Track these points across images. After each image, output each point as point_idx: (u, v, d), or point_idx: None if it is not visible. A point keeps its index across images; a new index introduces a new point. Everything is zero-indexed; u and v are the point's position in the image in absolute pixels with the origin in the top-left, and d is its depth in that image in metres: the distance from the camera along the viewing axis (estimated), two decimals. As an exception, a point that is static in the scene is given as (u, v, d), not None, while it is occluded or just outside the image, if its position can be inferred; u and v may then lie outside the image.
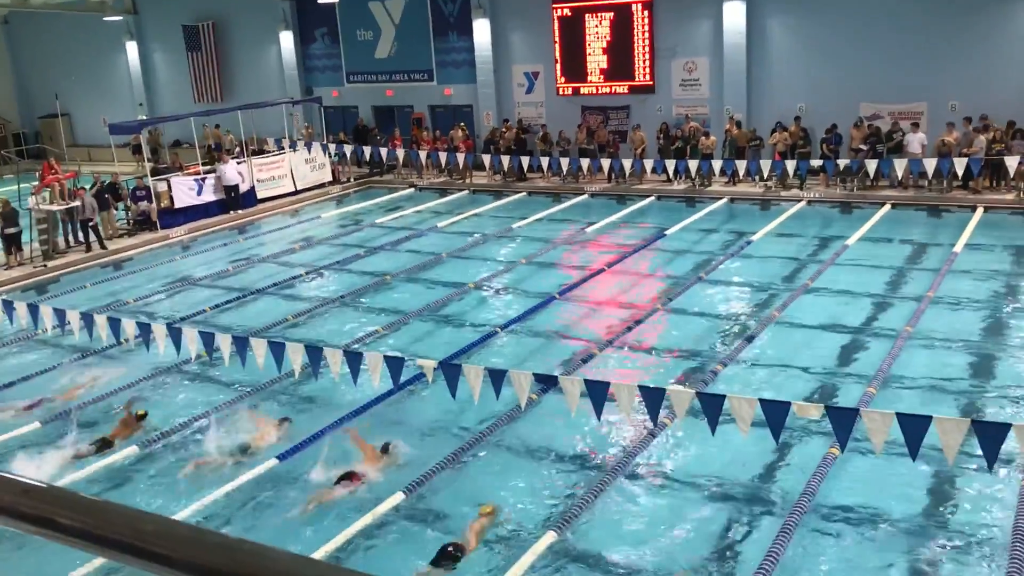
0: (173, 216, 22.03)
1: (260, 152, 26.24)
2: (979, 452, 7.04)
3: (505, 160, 23.58)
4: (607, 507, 8.28)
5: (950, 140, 20.31)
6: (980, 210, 19.28)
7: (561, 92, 27.07)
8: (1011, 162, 18.82)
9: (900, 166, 19.67)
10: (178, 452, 9.93)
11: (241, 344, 9.85)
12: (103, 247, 19.76)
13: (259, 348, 9.75)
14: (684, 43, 25.04)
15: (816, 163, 20.96)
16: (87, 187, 20.39)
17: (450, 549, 7.55)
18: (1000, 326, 12.49)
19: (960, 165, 19.26)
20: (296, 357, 9.52)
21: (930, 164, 19.24)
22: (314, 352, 9.48)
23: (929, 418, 6.85)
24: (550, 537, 7.63)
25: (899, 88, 22.31)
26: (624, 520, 8.11)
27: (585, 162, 23.03)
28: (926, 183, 20.74)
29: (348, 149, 25.70)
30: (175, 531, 1.08)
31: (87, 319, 11.06)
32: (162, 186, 22.16)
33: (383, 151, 25.49)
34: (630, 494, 8.54)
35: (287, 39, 31.92)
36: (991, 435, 6.68)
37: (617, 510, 8.27)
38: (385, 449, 9.41)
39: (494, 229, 20.31)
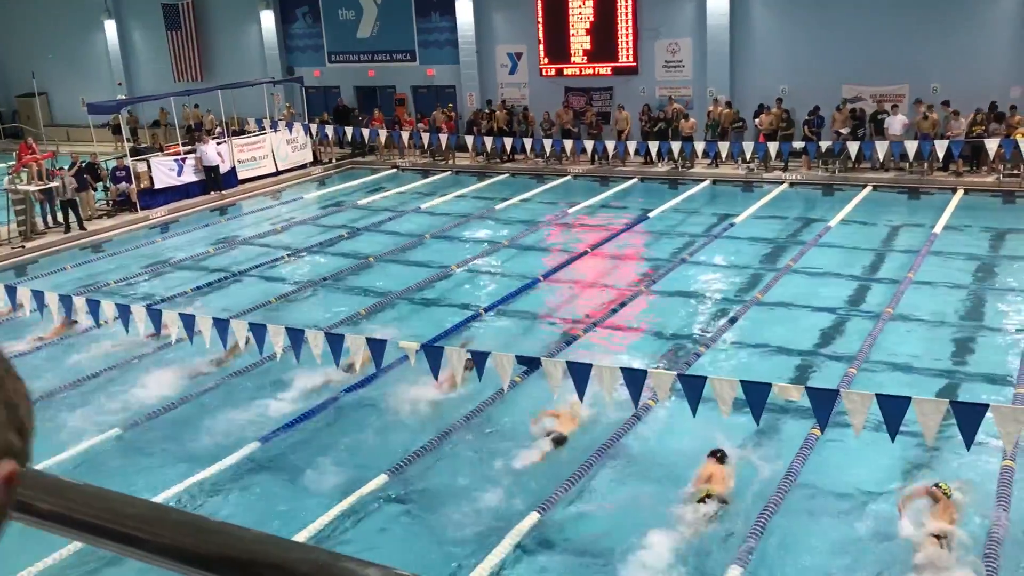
0: (153, 197, 21.84)
1: (241, 132, 26.03)
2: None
3: (488, 141, 23.49)
4: (590, 488, 8.31)
5: (926, 124, 20.43)
6: (960, 192, 19.40)
7: (544, 73, 26.95)
8: (991, 144, 18.92)
9: (881, 149, 19.74)
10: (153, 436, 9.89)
11: (222, 326, 9.80)
12: (82, 228, 19.58)
13: (240, 330, 9.71)
14: (667, 24, 24.97)
15: (798, 145, 21.00)
16: (66, 167, 20.17)
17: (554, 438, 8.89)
18: (979, 307, 12.62)
19: (941, 148, 19.38)
20: (277, 339, 9.48)
21: (911, 147, 19.31)
22: (296, 334, 9.45)
23: (908, 399, 6.91)
24: (533, 518, 7.66)
25: (881, 70, 22.35)
26: (606, 501, 8.16)
27: (568, 143, 22.97)
28: (906, 165, 20.84)
29: (330, 130, 25.50)
30: (157, 515, 1.07)
31: (66, 301, 10.97)
32: (142, 166, 21.96)
33: (365, 132, 25.34)
34: (612, 475, 8.58)
35: (268, 18, 31.60)
36: (969, 416, 6.74)
37: (599, 491, 8.31)
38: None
39: (477, 210, 20.27)
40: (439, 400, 10.14)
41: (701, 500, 7.73)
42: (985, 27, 21.18)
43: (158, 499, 8.20)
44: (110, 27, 35.24)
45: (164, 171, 22.28)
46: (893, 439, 7.13)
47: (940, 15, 21.42)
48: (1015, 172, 19.83)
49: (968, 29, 21.26)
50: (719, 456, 8.21)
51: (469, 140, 24.18)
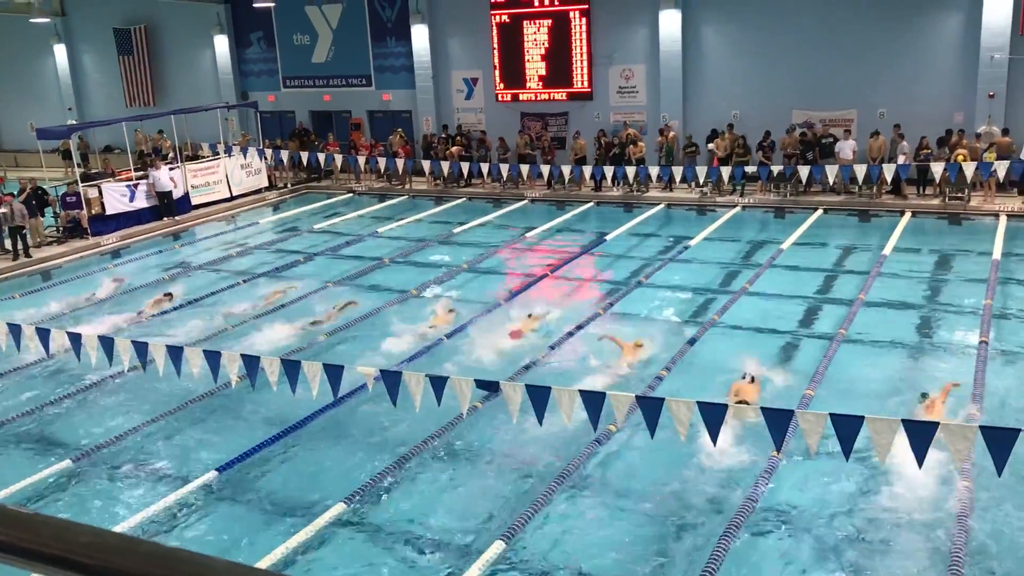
0: (104, 223, 21.51)
1: (195, 157, 25.79)
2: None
3: (445, 166, 23.55)
4: (553, 515, 8.29)
5: (875, 146, 20.94)
6: (908, 214, 19.86)
7: (500, 98, 27.14)
8: (936, 168, 19.41)
9: (832, 172, 20.15)
10: (112, 464, 9.69)
11: (176, 354, 9.65)
12: (28, 255, 19.19)
13: (194, 358, 9.57)
14: (621, 50, 25.32)
15: (750, 169, 21.35)
16: (15, 193, 19.81)
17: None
18: (929, 326, 12.86)
19: (889, 171, 19.84)
20: (232, 366, 9.36)
21: (860, 170, 19.73)
22: (251, 361, 9.33)
23: (861, 418, 7.01)
24: (498, 547, 7.62)
25: (830, 95, 22.89)
26: (570, 527, 8.13)
27: (525, 168, 23.11)
28: (856, 188, 21.28)
29: (285, 154, 25.37)
30: (109, 542, 1.06)
31: (14, 330, 10.73)
32: (93, 192, 21.64)
33: (321, 156, 25.26)
34: (575, 500, 8.57)
35: (222, 43, 31.46)
36: (920, 434, 6.86)
37: (563, 517, 8.29)
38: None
39: (435, 234, 20.26)
40: (401, 423, 10.09)
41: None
42: (929, 55, 21.80)
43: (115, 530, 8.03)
44: (60, 51, 34.83)
45: (116, 197, 21.97)
46: (847, 458, 7.24)
47: (886, 43, 22.00)
48: (959, 195, 20.35)
49: (913, 57, 21.86)
50: (751, 379, 10.47)
51: (426, 165, 24.20)
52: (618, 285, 15.61)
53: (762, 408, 7.43)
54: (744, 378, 10.52)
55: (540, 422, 8.13)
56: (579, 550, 7.74)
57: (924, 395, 9.91)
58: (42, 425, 10.87)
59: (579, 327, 13.20)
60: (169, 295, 15.95)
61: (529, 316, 13.48)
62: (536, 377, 10.84)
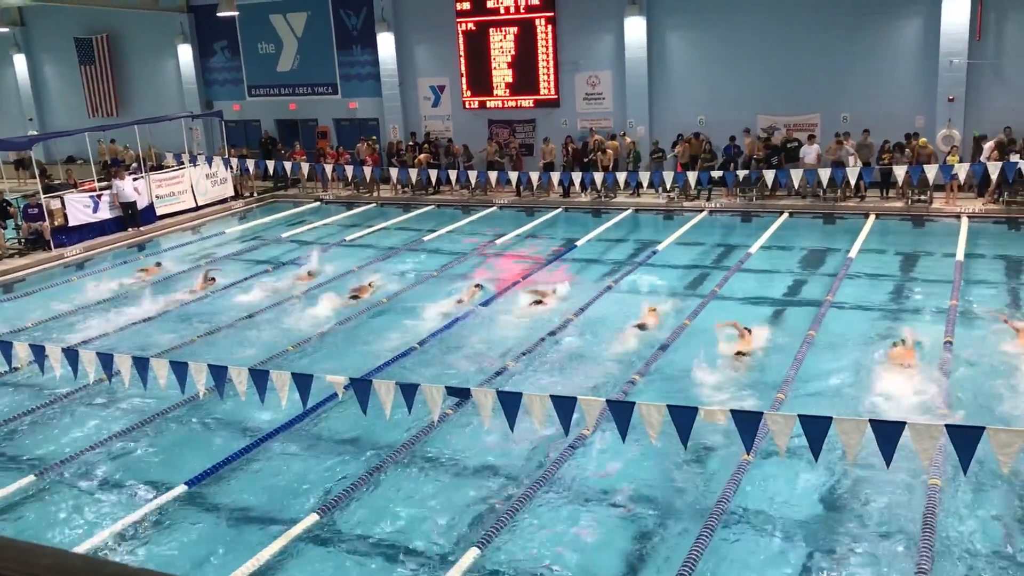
0: (68, 234, 21.22)
1: (159, 167, 25.53)
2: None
3: (413, 173, 23.51)
4: (527, 521, 8.27)
5: (836, 151, 21.22)
6: (872, 217, 20.12)
7: (468, 106, 27.15)
8: (899, 171, 19.68)
9: (796, 176, 20.36)
10: (77, 479, 9.53)
11: (142, 365, 9.52)
12: (-9, 268, 18.91)
13: (161, 369, 9.45)
14: (587, 57, 25.44)
15: (716, 174, 21.51)
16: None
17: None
18: (895, 326, 12.98)
19: (853, 175, 20.09)
20: (200, 377, 9.25)
21: (824, 174, 19.95)
22: (219, 371, 9.23)
23: (830, 419, 7.07)
24: (473, 554, 7.59)
25: (794, 100, 23.16)
26: (544, 533, 8.12)
27: (493, 175, 23.14)
28: (821, 192, 21.52)
29: (251, 163, 25.20)
30: (73, 564, 1.03)
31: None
32: (56, 203, 21.33)
33: (287, 165, 25.10)
34: (548, 507, 8.55)
35: (185, 52, 31.20)
36: (887, 433, 6.93)
37: (537, 523, 8.27)
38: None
39: (404, 242, 20.19)
40: (372, 431, 10.04)
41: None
42: (890, 60, 22.13)
43: (79, 550, 7.90)
44: (20, 61, 34.37)
45: (79, 208, 21.68)
46: (816, 459, 7.29)
47: (848, 48, 22.32)
48: (922, 198, 20.65)
49: (875, 62, 22.18)
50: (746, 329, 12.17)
51: (394, 173, 24.14)
52: (589, 290, 15.61)
53: (731, 411, 7.47)
54: (739, 332, 12.16)
55: (512, 428, 8.11)
56: (555, 555, 7.73)
57: (896, 342, 11.55)
58: (2, 439, 10.68)
59: (551, 334, 13.21)
60: (213, 278, 17.21)
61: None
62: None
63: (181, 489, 9.02)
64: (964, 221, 19.20)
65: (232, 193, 26.32)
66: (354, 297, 15.67)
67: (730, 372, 11.45)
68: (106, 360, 9.75)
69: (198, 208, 24.98)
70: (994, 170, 18.48)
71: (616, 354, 12.42)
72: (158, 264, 18.98)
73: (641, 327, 13.10)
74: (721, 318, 13.23)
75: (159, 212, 23.77)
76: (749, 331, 12.28)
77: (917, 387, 10.59)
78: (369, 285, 16.30)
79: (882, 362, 11.33)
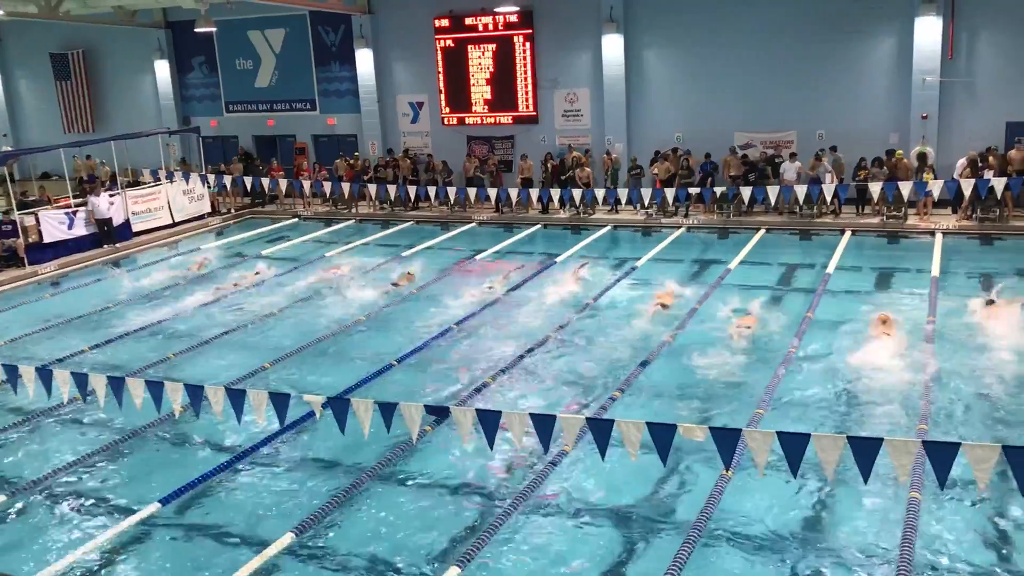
0: (42, 251, 21.01)
1: (135, 184, 25.36)
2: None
3: (392, 189, 23.48)
4: (508, 538, 8.23)
5: (816, 167, 21.43)
6: (848, 233, 20.29)
7: (446, 122, 27.19)
8: (874, 188, 19.88)
9: (773, 193, 20.52)
10: (49, 498, 9.40)
11: (117, 384, 9.41)
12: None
13: (136, 388, 9.34)
14: (565, 74, 25.58)
15: (694, 191, 21.63)
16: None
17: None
18: (872, 341, 13.02)
19: (828, 192, 20.26)
20: (176, 396, 9.15)
21: (801, 190, 20.10)
22: (195, 391, 9.13)
23: (807, 436, 7.09)
24: (453, 573, 7.54)
25: (770, 118, 23.37)
26: (525, 550, 8.08)
27: (472, 191, 23.16)
28: (798, 208, 21.69)
29: (228, 179, 25.07)
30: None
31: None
32: (30, 220, 21.12)
33: (265, 181, 24.99)
34: (529, 524, 8.51)
35: (163, 68, 31.08)
36: (865, 450, 6.96)
37: (519, 540, 8.23)
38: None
39: (382, 258, 20.13)
40: (350, 448, 9.97)
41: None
42: (865, 78, 22.40)
43: (52, 570, 7.79)
44: (-7, 77, 34.08)
45: (54, 224, 21.49)
46: (795, 475, 7.30)
47: (824, 66, 22.58)
48: (896, 214, 20.86)
49: (850, 79, 22.46)
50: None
51: (372, 189, 24.10)
52: (569, 307, 15.61)
53: (710, 428, 7.47)
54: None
55: (491, 446, 8.08)
56: (536, 572, 7.69)
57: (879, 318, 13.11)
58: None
59: (529, 351, 13.20)
60: (257, 272, 18.80)
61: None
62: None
63: (154, 508, 8.91)
64: (939, 237, 19.40)
65: (209, 209, 26.18)
66: (395, 285, 17.34)
67: (709, 388, 11.47)
68: (81, 380, 9.62)
69: (175, 224, 24.83)
70: (967, 187, 18.71)
71: (598, 369, 12.43)
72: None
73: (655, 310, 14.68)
74: (704, 332, 13.36)
75: (136, 229, 23.60)
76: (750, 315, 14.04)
77: (893, 399, 10.66)
78: (409, 274, 17.83)
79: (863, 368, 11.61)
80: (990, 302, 13.88)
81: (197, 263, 20.27)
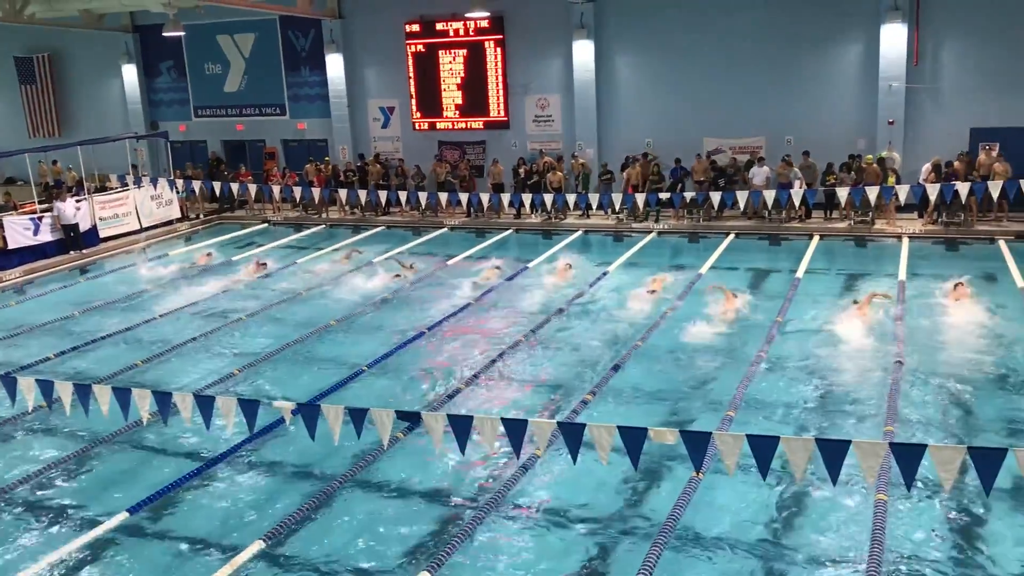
0: (7, 258, 20.71)
1: (102, 189, 25.07)
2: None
3: (363, 194, 23.39)
4: (479, 544, 8.21)
5: (786, 172, 21.64)
6: (816, 238, 20.49)
7: (418, 127, 27.16)
8: (842, 193, 20.09)
9: (742, 198, 20.65)
10: (13, 507, 9.25)
11: (83, 392, 9.29)
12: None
13: (103, 396, 9.22)
14: (536, 80, 25.64)
15: (664, 196, 21.74)
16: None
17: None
18: (841, 346, 13.16)
19: (797, 197, 20.45)
20: (143, 403, 9.05)
21: (769, 196, 20.26)
22: (163, 398, 9.03)
23: (777, 438, 7.15)
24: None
25: (739, 124, 23.57)
26: (496, 554, 8.07)
27: (443, 196, 23.13)
28: (766, 213, 21.86)
29: (197, 185, 24.85)
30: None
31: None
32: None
33: (234, 186, 24.80)
34: (501, 528, 8.51)
35: (130, 72, 30.79)
36: (833, 452, 7.03)
37: (489, 545, 8.22)
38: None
39: (354, 263, 20.04)
40: (320, 455, 9.90)
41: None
42: (832, 84, 22.68)
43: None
44: (-43, 81, 33.53)
45: (19, 230, 21.20)
46: (764, 477, 7.36)
47: (792, 73, 22.82)
48: (864, 219, 21.09)
49: (817, 86, 22.72)
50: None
51: (343, 193, 24.00)
52: (541, 312, 15.62)
53: (680, 431, 7.51)
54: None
55: (463, 451, 8.06)
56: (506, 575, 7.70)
57: (855, 301, 14.38)
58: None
59: (500, 354, 13.19)
60: (264, 264, 19.46)
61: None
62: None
63: (122, 517, 8.80)
64: (905, 241, 19.64)
65: (178, 215, 25.95)
66: (397, 276, 18.00)
67: (679, 390, 11.52)
68: (46, 387, 9.49)
69: (143, 230, 24.57)
70: (932, 191, 18.96)
71: (572, 372, 12.45)
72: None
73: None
74: (677, 334, 13.44)
75: (103, 234, 23.33)
76: (735, 296, 15.19)
77: (861, 400, 10.77)
78: (411, 267, 18.57)
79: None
80: (958, 285, 14.96)
81: (186, 265, 20.74)
